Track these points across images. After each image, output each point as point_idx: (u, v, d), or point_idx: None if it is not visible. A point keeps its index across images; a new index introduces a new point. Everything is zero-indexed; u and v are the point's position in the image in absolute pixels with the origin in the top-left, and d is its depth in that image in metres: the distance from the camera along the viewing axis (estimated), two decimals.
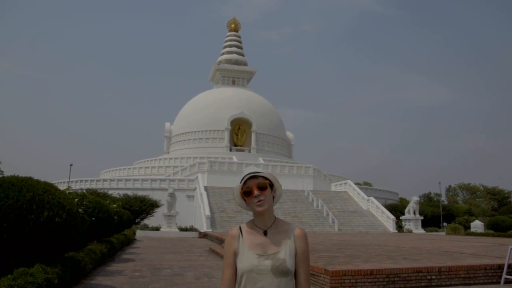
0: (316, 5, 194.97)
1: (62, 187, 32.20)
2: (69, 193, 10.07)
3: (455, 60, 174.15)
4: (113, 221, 14.42)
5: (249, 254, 2.27)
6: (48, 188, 7.10)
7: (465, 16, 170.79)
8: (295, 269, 2.33)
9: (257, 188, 2.29)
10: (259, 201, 2.30)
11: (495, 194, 72.69)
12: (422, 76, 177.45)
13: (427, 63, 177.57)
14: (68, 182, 45.00)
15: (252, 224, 2.39)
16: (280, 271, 2.23)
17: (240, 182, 2.37)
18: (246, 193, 2.32)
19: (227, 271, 2.34)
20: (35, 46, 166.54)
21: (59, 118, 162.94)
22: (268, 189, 2.33)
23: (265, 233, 2.34)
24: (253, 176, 2.34)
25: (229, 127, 58.61)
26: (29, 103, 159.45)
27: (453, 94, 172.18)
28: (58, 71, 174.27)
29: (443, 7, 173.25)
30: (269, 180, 2.36)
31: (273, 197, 2.40)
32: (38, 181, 7.19)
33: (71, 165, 49.18)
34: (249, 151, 58.62)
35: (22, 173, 7.27)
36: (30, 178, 7.14)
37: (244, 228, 2.39)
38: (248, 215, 32.96)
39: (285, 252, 2.28)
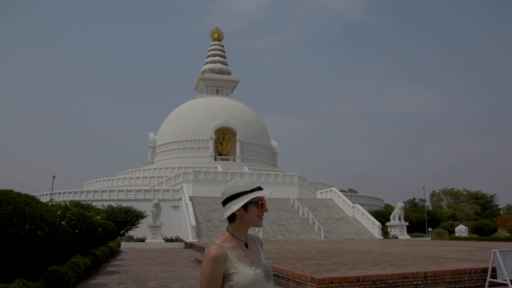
0: (300, 14, 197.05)
1: (44, 199, 31.56)
2: (52, 205, 9.90)
3: (441, 67, 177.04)
4: (97, 233, 14.21)
5: (243, 267, 2.22)
6: (30, 201, 6.97)
7: (456, 21, 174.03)
8: None
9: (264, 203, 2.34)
10: (261, 217, 2.35)
11: (478, 199, 73.70)
12: (408, 83, 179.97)
13: (412, 69, 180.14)
14: (51, 194, 44.33)
15: (231, 238, 2.33)
16: (269, 275, 2.28)
17: (250, 191, 2.31)
18: (263, 205, 2.32)
19: None
20: (17, 54, 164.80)
21: (42, 128, 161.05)
22: None
23: (246, 246, 2.34)
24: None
25: (214, 136, 58.52)
26: (9, 113, 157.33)
27: (439, 101, 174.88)
28: (40, 81, 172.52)
29: (431, 13, 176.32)
30: None
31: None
32: (19, 194, 7.06)
33: (53, 177, 48.55)
34: (234, 160, 58.56)
35: (3, 185, 7.14)
36: (11, 191, 7.00)
37: (225, 244, 2.29)
38: None
39: (263, 258, 2.36)
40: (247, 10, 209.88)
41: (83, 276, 11.55)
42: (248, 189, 2.31)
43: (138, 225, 34.70)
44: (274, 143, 69.38)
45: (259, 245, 2.45)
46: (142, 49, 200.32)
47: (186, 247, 28.86)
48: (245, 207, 2.29)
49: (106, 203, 36.25)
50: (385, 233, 36.35)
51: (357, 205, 39.00)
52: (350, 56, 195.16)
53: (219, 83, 69.74)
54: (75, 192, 43.95)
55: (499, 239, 29.15)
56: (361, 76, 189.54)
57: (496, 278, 9.55)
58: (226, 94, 69.49)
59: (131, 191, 42.17)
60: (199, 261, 17.49)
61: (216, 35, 74.47)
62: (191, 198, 36.26)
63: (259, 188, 2.33)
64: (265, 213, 2.39)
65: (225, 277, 2.20)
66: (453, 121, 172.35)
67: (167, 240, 31.25)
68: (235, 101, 67.51)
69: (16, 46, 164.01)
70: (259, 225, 2.33)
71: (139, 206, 36.37)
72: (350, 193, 60.53)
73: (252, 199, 2.28)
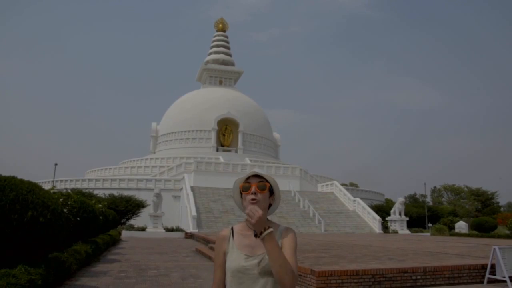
0: (304, 7, 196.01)
1: (46, 186, 31.72)
2: (54, 192, 9.93)
3: (443, 64, 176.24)
4: (98, 221, 14.28)
5: (237, 254, 2.26)
6: (32, 188, 6.99)
7: (458, 18, 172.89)
8: None
9: (256, 187, 2.27)
10: (253, 200, 2.25)
11: (479, 195, 73.63)
12: (410, 79, 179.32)
13: (415, 66, 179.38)
14: (53, 181, 44.48)
15: (244, 225, 2.35)
16: (266, 271, 2.20)
17: (244, 179, 2.34)
18: (244, 188, 2.29)
19: (217, 272, 2.33)
20: (22, 46, 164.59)
21: (44, 116, 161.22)
22: (266, 192, 2.30)
23: (255, 235, 2.25)
24: (258, 176, 2.32)
25: (216, 127, 58.47)
26: (13, 101, 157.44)
27: (441, 97, 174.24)
28: (43, 70, 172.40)
29: (435, 10, 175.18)
30: (270, 185, 2.34)
31: (270, 204, 2.36)
32: (22, 181, 7.07)
33: (56, 164, 48.68)
34: (236, 152, 58.55)
35: (6, 172, 7.16)
36: (13, 178, 7.02)
37: (236, 229, 2.37)
38: (235, 216, 32.90)
39: None
40: (252, 1, 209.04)
41: (84, 264, 11.62)
42: (244, 178, 2.34)
43: (139, 214, 34.84)
44: (276, 135, 69.29)
45: (279, 238, 2.30)
46: (147, 39, 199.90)
47: (186, 237, 28.96)
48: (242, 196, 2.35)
49: (107, 192, 36.37)
50: (385, 228, 36.41)
51: (358, 199, 39.02)
52: (353, 51, 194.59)
53: (223, 74, 69.50)
54: (77, 180, 44.07)
55: (499, 236, 29.18)
56: (364, 71, 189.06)
57: (495, 275, 9.58)
58: (229, 85, 69.28)
59: (132, 180, 42.24)
60: (199, 251, 17.57)
61: (220, 25, 74.09)
62: (192, 189, 36.30)
63: (255, 175, 2.32)
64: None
65: (225, 257, 2.31)
66: (454, 117, 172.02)
67: (168, 229, 31.36)
68: (238, 93, 67.33)
69: (20, 37, 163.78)
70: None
71: (140, 195, 36.47)
72: (351, 187, 60.49)
73: (241, 184, 2.32)
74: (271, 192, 2.36)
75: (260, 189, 2.27)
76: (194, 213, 30.79)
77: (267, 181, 2.33)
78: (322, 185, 47.08)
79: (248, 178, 2.33)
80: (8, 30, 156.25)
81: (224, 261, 2.31)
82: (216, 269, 2.34)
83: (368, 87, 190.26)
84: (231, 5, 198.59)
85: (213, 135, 58.19)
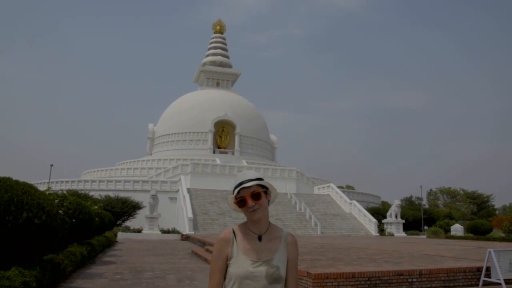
0: (303, 9, 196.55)
1: (42, 187, 31.63)
2: (49, 194, 9.89)
3: (441, 66, 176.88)
4: (94, 223, 14.21)
5: (243, 259, 2.19)
6: (28, 189, 6.95)
7: (457, 18, 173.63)
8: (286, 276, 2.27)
9: (251, 198, 2.20)
10: (253, 211, 2.21)
11: (474, 198, 73.95)
12: (407, 81, 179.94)
13: (414, 67, 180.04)
14: (49, 182, 44.33)
15: (246, 229, 2.30)
16: (274, 278, 2.18)
17: (233, 192, 2.26)
18: (240, 204, 2.23)
19: (216, 276, 2.23)
20: (20, 44, 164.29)
21: (40, 117, 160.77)
22: (263, 198, 2.24)
23: (259, 239, 2.26)
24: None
25: (213, 129, 58.45)
26: (8, 101, 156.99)
27: (439, 99, 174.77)
28: (39, 69, 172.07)
29: (432, 10, 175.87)
30: (263, 185, 2.26)
31: (268, 201, 2.31)
32: (17, 182, 7.04)
33: (51, 165, 48.57)
34: (233, 154, 58.55)
35: (0, 172, 7.13)
36: (8, 178, 6.98)
37: (238, 232, 2.29)
38: (231, 218, 32.87)
39: (279, 259, 2.23)
40: (252, 3, 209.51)
41: (79, 266, 11.57)
42: (233, 193, 2.27)
43: (135, 216, 34.75)
44: (273, 137, 69.32)
45: (284, 245, 2.29)
46: (144, 40, 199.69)
47: (182, 239, 28.91)
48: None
49: (103, 193, 36.25)
50: (381, 230, 36.44)
51: (354, 202, 39.04)
52: (352, 53, 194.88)
53: (220, 75, 69.54)
54: (73, 181, 43.91)
55: (494, 239, 29.30)
56: (362, 72, 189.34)
57: (490, 278, 9.61)
58: (226, 87, 69.32)
59: (129, 181, 42.13)
60: (195, 253, 17.54)
61: (218, 27, 74.16)
62: (188, 190, 36.25)
63: (241, 184, 2.24)
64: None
65: (228, 261, 2.23)
66: (451, 120, 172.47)
67: (164, 231, 31.29)
68: (235, 95, 67.37)
69: (20, 37, 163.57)
70: (251, 219, 2.25)
71: (136, 197, 36.37)
72: (347, 189, 60.55)
73: (235, 201, 2.25)
74: (265, 191, 2.28)
75: (255, 199, 2.22)
76: (190, 215, 30.74)
77: (259, 183, 2.25)
78: (319, 188, 47.11)
79: (239, 190, 2.25)
80: (7, 30, 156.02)
81: (225, 265, 2.23)
82: (215, 273, 2.24)
83: (366, 89, 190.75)
84: (230, 7, 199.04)
85: (210, 137, 58.18)
